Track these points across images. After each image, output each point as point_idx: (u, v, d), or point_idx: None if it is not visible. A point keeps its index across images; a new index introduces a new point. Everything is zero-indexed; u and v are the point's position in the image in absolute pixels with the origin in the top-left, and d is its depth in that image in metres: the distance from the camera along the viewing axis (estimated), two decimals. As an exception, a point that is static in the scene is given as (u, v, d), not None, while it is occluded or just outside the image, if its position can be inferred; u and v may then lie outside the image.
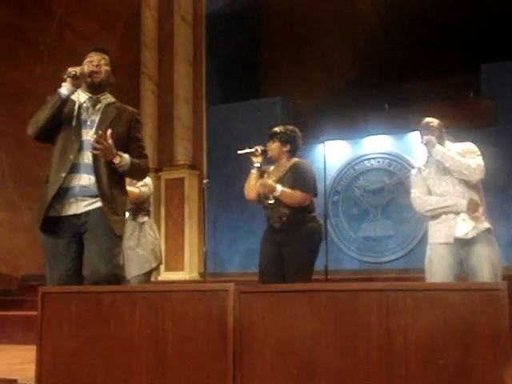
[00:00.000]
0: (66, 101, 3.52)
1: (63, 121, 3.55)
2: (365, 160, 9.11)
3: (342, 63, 10.11)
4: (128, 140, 3.64)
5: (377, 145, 9.08)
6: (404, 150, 8.83)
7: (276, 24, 10.83)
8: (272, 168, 4.75)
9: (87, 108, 3.62)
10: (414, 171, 4.54)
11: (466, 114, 8.13)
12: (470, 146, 4.28)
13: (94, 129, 3.55)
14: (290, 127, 4.75)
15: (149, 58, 9.72)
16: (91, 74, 3.59)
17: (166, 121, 9.82)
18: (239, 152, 4.73)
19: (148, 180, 5.14)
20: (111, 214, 3.46)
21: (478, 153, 4.22)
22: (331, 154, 8.63)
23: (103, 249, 3.42)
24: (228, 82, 10.28)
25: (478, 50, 8.95)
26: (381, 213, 8.85)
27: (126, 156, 3.55)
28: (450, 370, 2.32)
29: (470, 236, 4.05)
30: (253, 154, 4.69)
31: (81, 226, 3.49)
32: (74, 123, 3.54)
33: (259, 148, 4.69)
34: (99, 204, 3.47)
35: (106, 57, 3.70)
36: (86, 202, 3.49)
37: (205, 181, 8.53)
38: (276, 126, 4.77)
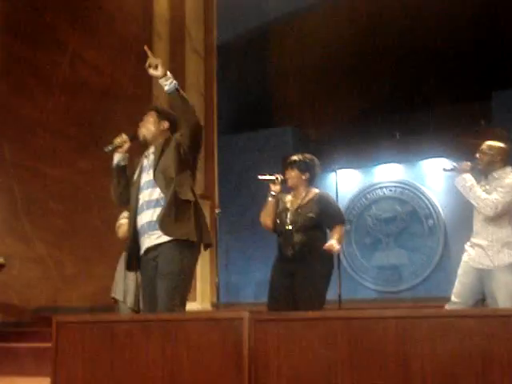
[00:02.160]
0: (121, 168, 3.91)
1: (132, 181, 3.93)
2: (377, 189, 9.12)
3: (352, 92, 10.15)
4: (182, 155, 3.79)
5: (388, 173, 9.09)
6: (416, 178, 8.83)
7: (286, 55, 10.93)
8: (288, 196, 4.73)
9: (148, 156, 3.91)
10: None
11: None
12: (507, 181, 4.20)
13: (150, 169, 3.80)
14: (309, 155, 4.75)
15: (161, 90, 9.76)
16: (135, 135, 3.96)
17: (178, 151, 9.83)
18: (260, 177, 4.71)
19: None
20: (176, 247, 3.64)
21: (508, 189, 4.14)
22: (343, 183, 8.63)
23: (165, 287, 3.62)
24: (239, 111, 10.35)
25: (489, 78, 8.97)
26: (394, 241, 8.81)
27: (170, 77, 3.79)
28: (468, 397, 2.29)
29: (489, 268, 4.10)
30: (273, 181, 4.68)
31: (155, 258, 3.70)
32: (136, 174, 3.88)
33: (279, 176, 4.67)
34: (166, 238, 3.66)
35: (152, 113, 4.02)
36: (155, 236, 3.70)
37: (217, 210, 8.52)
38: (294, 155, 4.76)
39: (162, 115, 4.02)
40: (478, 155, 4.34)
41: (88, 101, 8.49)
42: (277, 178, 4.65)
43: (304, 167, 4.67)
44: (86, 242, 8.30)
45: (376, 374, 2.43)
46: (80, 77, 8.50)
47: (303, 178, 4.66)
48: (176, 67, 9.78)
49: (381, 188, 9.09)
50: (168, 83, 3.76)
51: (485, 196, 4.15)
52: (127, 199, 3.92)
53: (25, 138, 7.86)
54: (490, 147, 4.33)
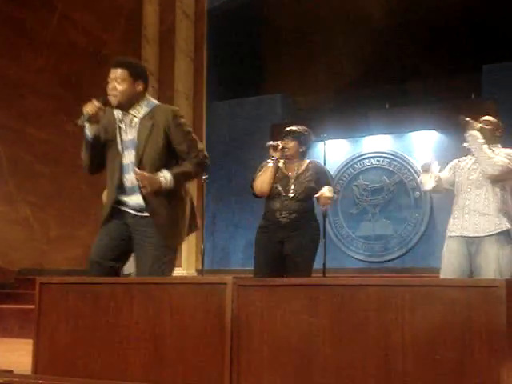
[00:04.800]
0: (96, 140, 3.48)
1: (107, 143, 3.54)
2: (364, 159, 9.10)
3: (343, 61, 10.09)
4: (173, 146, 3.53)
5: (377, 144, 9.06)
6: (404, 149, 8.82)
7: (278, 21, 10.81)
8: (282, 163, 4.72)
9: (124, 127, 3.53)
10: (454, 160, 4.54)
11: (466, 114, 8.09)
12: (509, 150, 4.26)
13: (133, 150, 3.49)
14: (305, 128, 4.76)
15: (150, 53, 9.68)
16: (107, 100, 3.44)
17: (166, 116, 9.77)
18: (267, 144, 4.70)
19: None
20: (161, 226, 3.47)
21: (511, 157, 4.18)
22: (331, 153, 8.61)
23: (148, 263, 3.47)
24: (229, 78, 10.27)
25: (479, 51, 8.93)
26: (380, 212, 8.84)
27: (166, 176, 3.42)
28: (446, 366, 2.31)
29: (480, 235, 4.08)
30: (274, 147, 4.66)
31: (132, 226, 3.55)
32: (115, 145, 3.52)
33: (280, 143, 4.66)
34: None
35: (122, 70, 3.44)
36: (146, 213, 3.50)
37: (204, 177, 8.48)
38: (292, 125, 4.76)
39: (136, 75, 3.48)
40: (481, 125, 4.31)
41: (76, 62, 8.41)
42: (278, 144, 4.64)
43: (303, 140, 4.70)
44: (72, 204, 8.30)
45: (357, 341, 2.44)
46: (68, 38, 8.42)
47: (300, 150, 4.69)
48: (166, 31, 9.70)
49: (368, 158, 9.07)
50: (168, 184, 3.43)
51: (493, 156, 4.13)
52: (101, 168, 3.64)
53: (11, 98, 7.80)
54: (490, 121, 4.35)
